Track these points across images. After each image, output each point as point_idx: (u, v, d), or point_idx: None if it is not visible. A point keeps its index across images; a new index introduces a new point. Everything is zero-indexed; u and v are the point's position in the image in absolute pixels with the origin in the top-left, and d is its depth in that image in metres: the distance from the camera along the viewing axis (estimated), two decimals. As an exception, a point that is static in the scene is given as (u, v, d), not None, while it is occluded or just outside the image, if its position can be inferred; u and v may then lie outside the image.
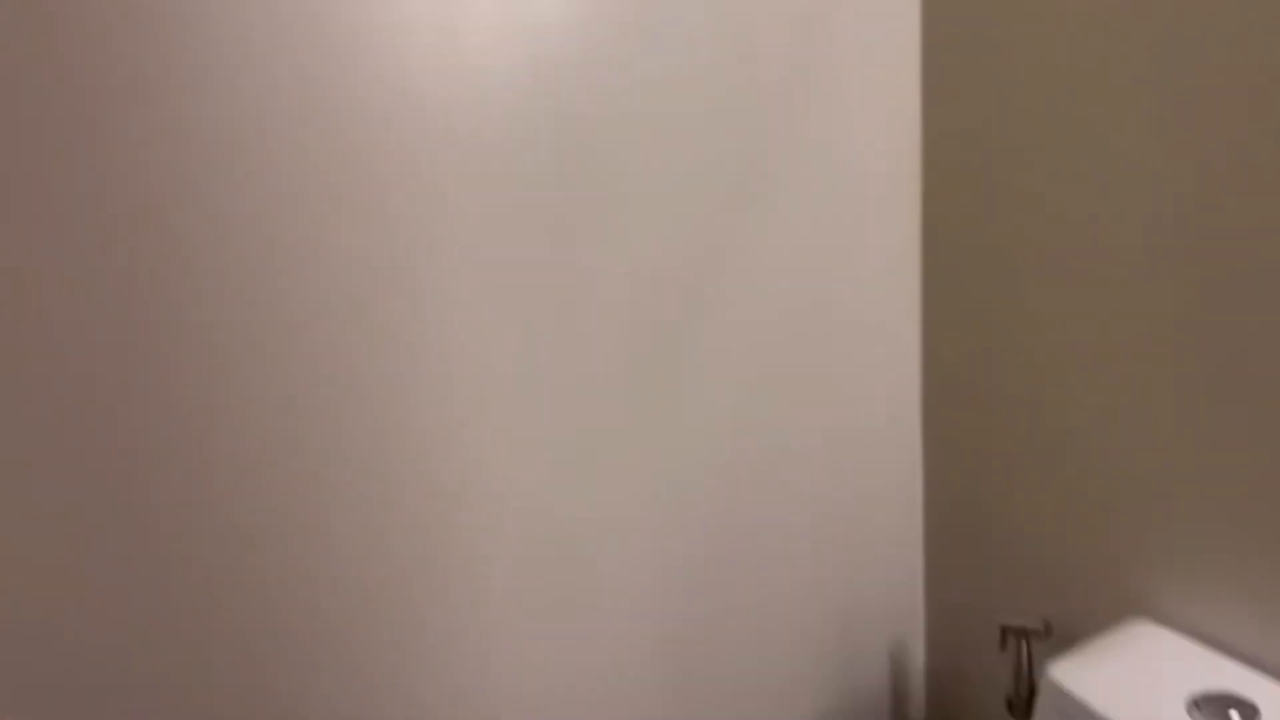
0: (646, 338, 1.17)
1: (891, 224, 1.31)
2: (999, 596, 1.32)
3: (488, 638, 1.17)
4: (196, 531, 1.00)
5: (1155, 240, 1.04)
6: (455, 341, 1.07)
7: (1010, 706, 1.26)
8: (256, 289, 0.98)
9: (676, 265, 1.17)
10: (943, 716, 1.43)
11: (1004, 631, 1.25)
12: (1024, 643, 1.24)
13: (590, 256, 1.12)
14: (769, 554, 1.31)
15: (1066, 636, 1.22)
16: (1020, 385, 1.23)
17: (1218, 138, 0.97)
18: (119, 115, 0.91)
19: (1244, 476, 1.03)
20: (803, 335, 1.27)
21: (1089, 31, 1.07)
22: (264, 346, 0.99)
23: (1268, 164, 0.93)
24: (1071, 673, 1.07)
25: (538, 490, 1.15)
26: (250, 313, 0.98)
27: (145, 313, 0.95)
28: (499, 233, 1.07)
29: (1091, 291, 1.12)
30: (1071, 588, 1.23)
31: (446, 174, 1.04)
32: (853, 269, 1.28)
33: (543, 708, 1.22)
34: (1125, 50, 1.04)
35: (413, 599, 1.11)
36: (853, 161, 1.26)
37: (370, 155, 1.00)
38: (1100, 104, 1.07)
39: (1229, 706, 0.98)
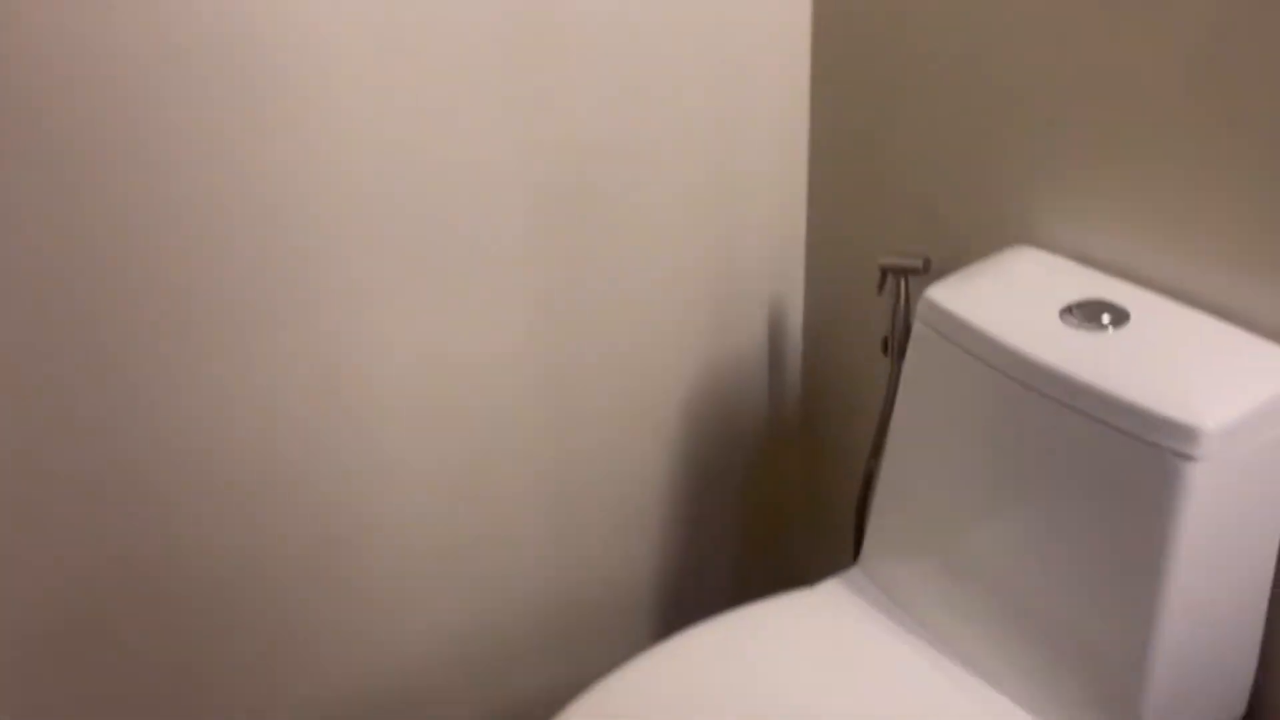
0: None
1: None
2: (880, 241, 1.29)
3: (354, 304, 1.10)
4: None
5: None
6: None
7: (885, 347, 1.25)
8: None
9: None
10: (819, 368, 1.44)
11: (883, 271, 1.22)
12: (903, 281, 1.22)
13: None
14: (642, 209, 1.25)
15: (945, 273, 1.20)
16: (904, 13, 1.16)
17: None
18: None
19: (1117, 97, 0.99)
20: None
21: None
22: None
23: None
24: (948, 292, 1.05)
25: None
26: None
27: None
28: None
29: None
30: (952, 224, 1.20)
31: None
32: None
33: (410, 384, 1.17)
34: None
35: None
36: None
37: None
38: None
39: (1101, 311, 0.97)
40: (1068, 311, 0.98)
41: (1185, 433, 0.86)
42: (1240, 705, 1.03)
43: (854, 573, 1.20)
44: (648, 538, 1.41)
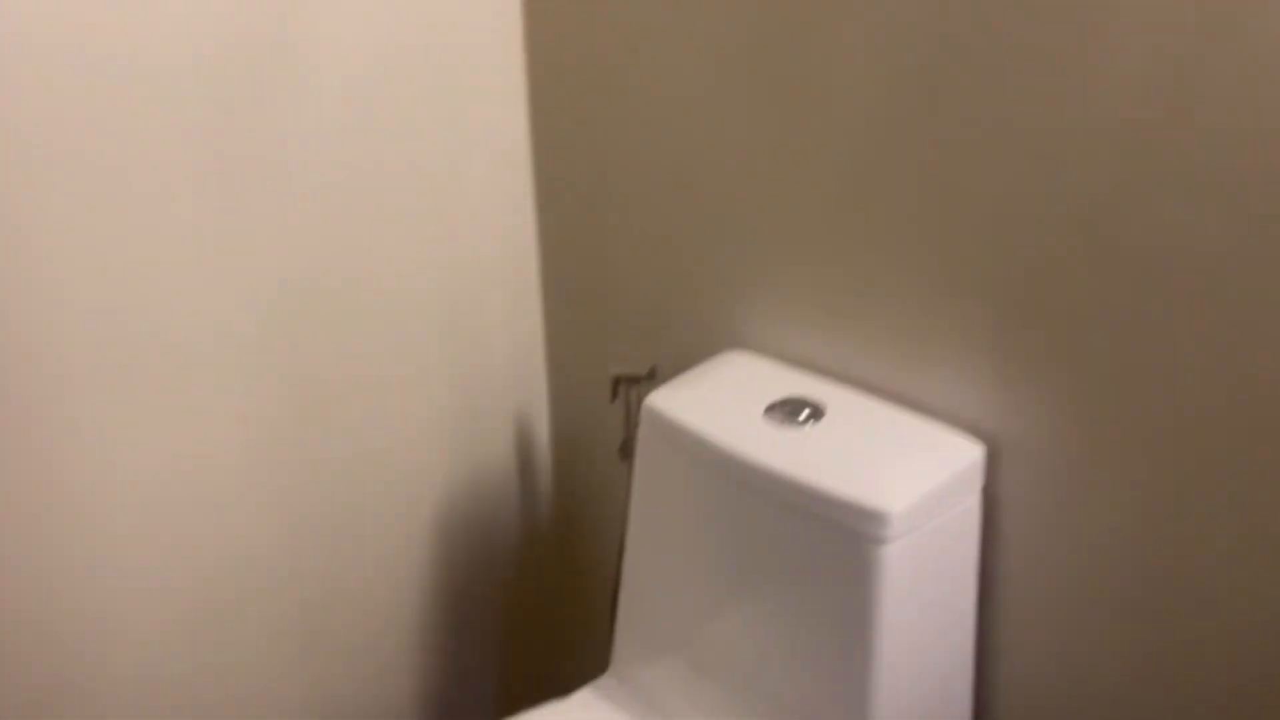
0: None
1: None
2: (614, 351, 1.35)
3: (68, 431, 1.06)
4: None
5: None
6: None
7: (622, 452, 1.30)
8: None
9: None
10: (568, 477, 1.47)
11: (615, 382, 1.27)
12: (632, 389, 1.27)
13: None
14: (376, 342, 1.26)
15: (671, 379, 1.26)
16: (625, 147, 1.23)
17: None
18: None
19: (792, 211, 1.10)
20: (396, 95, 1.20)
21: None
22: None
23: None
24: (665, 399, 1.11)
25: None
26: None
27: None
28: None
29: (676, 49, 1.12)
30: (675, 332, 1.27)
31: None
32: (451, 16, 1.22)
33: (133, 516, 1.13)
34: None
35: None
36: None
37: None
38: None
39: (800, 409, 1.05)
40: (770, 410, 1.05)
41: (874, 517, 0.93)
42: (960, 768, 1.09)
43: (606, 680, 1.22)
44: (403, 656, 1.38)
